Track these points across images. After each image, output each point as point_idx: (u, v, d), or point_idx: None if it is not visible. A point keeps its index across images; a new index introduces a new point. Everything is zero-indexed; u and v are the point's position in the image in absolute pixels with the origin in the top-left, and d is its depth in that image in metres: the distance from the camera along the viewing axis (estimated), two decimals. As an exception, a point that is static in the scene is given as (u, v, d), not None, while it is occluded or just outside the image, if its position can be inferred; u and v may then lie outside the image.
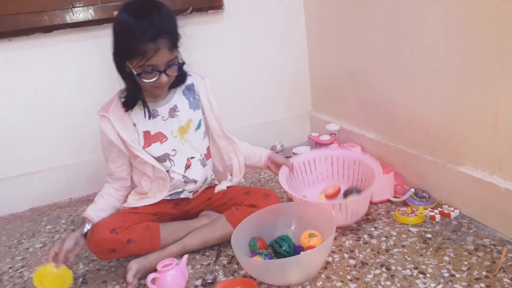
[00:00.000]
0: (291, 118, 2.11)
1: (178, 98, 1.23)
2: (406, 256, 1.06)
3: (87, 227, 1.15)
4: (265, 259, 1.04)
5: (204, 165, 1.28)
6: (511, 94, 1.01)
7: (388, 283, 0.97)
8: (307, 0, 1.95)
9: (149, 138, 1.20)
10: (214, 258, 1.17)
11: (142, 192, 1.26)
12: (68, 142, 1.78)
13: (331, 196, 1.33)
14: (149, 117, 1.19)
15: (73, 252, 1.11)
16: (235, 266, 1.12)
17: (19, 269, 1.30)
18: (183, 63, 1.13)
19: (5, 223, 1.67)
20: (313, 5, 1.91)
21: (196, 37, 1.82)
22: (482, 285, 0.92)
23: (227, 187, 1.31)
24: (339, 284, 0.99)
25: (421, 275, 0.98)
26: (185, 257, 1.09)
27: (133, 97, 1.17)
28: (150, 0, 1.10)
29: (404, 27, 1.32)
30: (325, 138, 1.63)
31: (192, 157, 1.25)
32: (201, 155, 1.27)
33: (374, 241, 1.15)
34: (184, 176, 1.23)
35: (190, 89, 1.27)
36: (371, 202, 1.35)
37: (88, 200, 1.78)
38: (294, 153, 1.80)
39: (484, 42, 1.05)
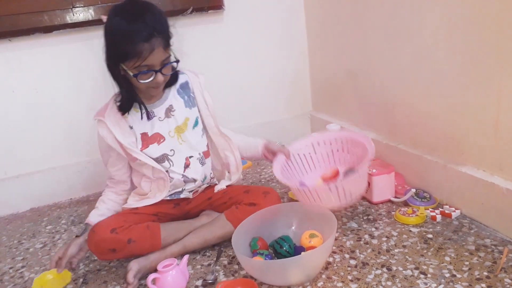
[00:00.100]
0: (291, 118, 2.11)
1: (173, 97, 1.23)
2: (407, 257, 1.06)
3: None
4: (265, 259, 1.04)
5: (203, 163, 1.28)
6: (511, 94, 1.01)
7: (389, 283, 0.97)
8: (307, 0, 1.95)
9: (147, 140, 1.20)
10: (215, 259, 1.17)
11: (142, 193, 1.26)
12: (68, 142, 1.78)
13: (329, 179, 1.30)
14: (147, 118, 1.19)
15: (77, 257, 1.13)
16: (236, 267, 1.12)
17: (20, 269, 1.30)
18: (177, 60, 1.13)
19: (6, 223, 1.67)
20: (313, 5, 1.91)
21: (196, 37, 1.85)
22: (483, 285, 0.92)
23: (226, 186, 1.31)
24: (340, 284, 0.99)
25: (422, 276, 0.98)
26: (186, 257, 1.09)
27: (129, 100, 1.17)
28: (138, 1, 1.10)
29: (405, 27, 1.32)
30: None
31: (191, 156, 1.25)
32: (199, 153, 1.27)
33: (375, 241, 1.15)
34: (183, 176, 1.23)
35: (185, 87, 1.26)
36: (371, 202, 1.35)
37: (88, 200, 1.78)
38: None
39: (484, 42, 1.05)
